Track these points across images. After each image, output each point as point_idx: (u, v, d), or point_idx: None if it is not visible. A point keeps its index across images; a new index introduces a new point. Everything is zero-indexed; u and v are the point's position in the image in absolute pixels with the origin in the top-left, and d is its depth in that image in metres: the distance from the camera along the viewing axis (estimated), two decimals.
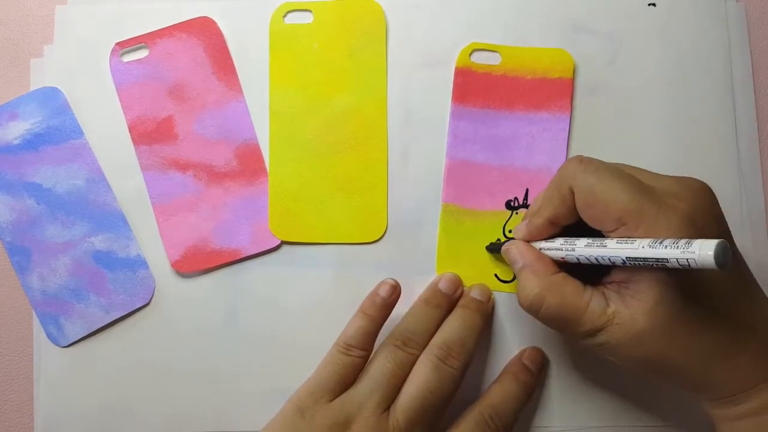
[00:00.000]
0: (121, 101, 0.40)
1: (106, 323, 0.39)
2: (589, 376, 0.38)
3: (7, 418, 0.40)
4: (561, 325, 0.31)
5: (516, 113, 0.39)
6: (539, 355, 0.38)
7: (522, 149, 0.39)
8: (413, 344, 0.35)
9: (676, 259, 0.26)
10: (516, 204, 0.39)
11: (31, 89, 0.41)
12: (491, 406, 0.35)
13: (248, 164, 0.40)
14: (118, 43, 0.40)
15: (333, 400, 0.34)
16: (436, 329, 0.36)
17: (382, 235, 0.39)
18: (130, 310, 0.39)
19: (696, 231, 0.28)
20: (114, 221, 0.40)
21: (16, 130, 0.40)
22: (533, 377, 0.37)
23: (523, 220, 0.35)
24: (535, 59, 0.40)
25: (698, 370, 0.29)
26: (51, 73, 0.41)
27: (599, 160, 0.31)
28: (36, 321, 0.39)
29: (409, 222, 0.39)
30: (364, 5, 0.40)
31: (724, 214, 0.31)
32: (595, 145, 0.40)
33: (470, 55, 0.40)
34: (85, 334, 0.39)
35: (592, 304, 0.30)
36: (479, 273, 0.39)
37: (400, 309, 0.37)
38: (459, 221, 0.39)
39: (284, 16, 0.41)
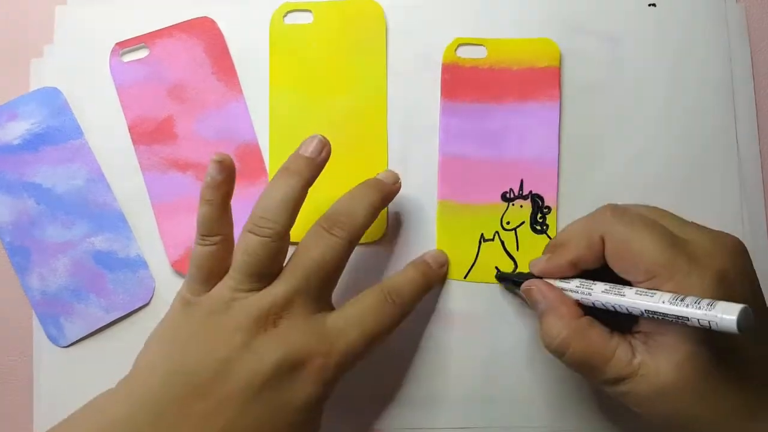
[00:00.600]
0: (121, 101, 0.40)
1: (106, 323, 0.39)
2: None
3: (7, 418, 0.40)
4: (585, 371, 0.31)
5: (505, 105, 0.40)
6: (441, 254, 0.38)
7: (514, 140, 0.39)
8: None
9: (697, 319, 0.26)
10: (512, 195, 0.39)
11: (31, 89, 0.41)
12: (392, 286, 0.35)
13: (248, 164, 0.40)
14: (118, 43, 0.40)
15: (210, 290, 0.33)
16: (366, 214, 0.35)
17: (382, 235, 0.39)
18: (130, 310, 0.39)
19: (726, 290, 0.28)
20: (114, 221, 0.40)
21: (16, 130, 0.40)
22: (434, 271, 0.37)
23: (544, 252, 0.34)
24: (520, 50, 0.40)
25: (721, 429, 0.29)
26: (51, 73, 0.41)
27: (633, 209, 0.31)
28: (36, 321, 0.39)
29: (409, 222, 0.39)
30: (364, 5, 0.40)
31: (725, 215, 0.31)
32: (595, 145, 0.40)
33: (456, 50, 0.40)
34: (85, 334, 0.39)
35: (618, 353, 0.30)
36: (479, 266, 0.39)
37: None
38: (456, 217, 0.39)
39: (284, 16, 0.41)
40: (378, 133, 0.40)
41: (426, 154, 0.40)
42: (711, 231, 0.31)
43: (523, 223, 0.39)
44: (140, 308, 0.39)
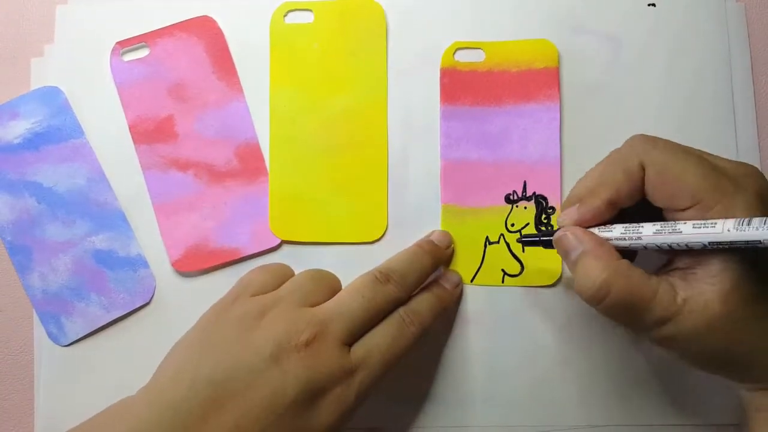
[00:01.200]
0: (121, 100, 0.40)
1: (106, 322, 0.39)
2: (603, 375, 0.38)
3: (7, 418, 0.40)
4: (627, 316, 0.29)
5: (505, 107, 0.40)
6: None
7: (515, 142, 0.39)
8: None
9: None
10: (515, 197, 0.39)
11: (32, 88, 0.41)
12: (410, 308, 0.35)
13: (248, 164, 0.40)
14: (118, 43, 0.40)
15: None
16: (421, 274, 0.36)
17: (382, 235, 0.39)
18: (130, 310, 0.39)
19: (766, 209, 0.28)
20: (114, 220, 0.40)
21: (17, 129, 0.40)
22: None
23: (565, 206, 0.32)
24: (518, 52, 0.40)
25: (765, 359, 0.28)
26: (51, 72, 0.41)
27: (665, 139, 0.30)
28: (36, 320, 0.40)
29: (409, 222, 0.40)
30: (364, 5, 0.40)
31: None
32: (595, 145, 0.39)
33: (454, 54, 0.40)
34: (85, 333, 0.39)
35: (660, 292, 0.28)
36: (485, 269, 0.39)
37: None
38: (460, 220, 0.39)
39: (285, 16, 0.41)
40: (378, 132, 0.40)
41: (426, 153, 0.40)
42: (733, 160, 0.30)
43: (527, 224, 0.39)
44: (141, 307, 0.40)
